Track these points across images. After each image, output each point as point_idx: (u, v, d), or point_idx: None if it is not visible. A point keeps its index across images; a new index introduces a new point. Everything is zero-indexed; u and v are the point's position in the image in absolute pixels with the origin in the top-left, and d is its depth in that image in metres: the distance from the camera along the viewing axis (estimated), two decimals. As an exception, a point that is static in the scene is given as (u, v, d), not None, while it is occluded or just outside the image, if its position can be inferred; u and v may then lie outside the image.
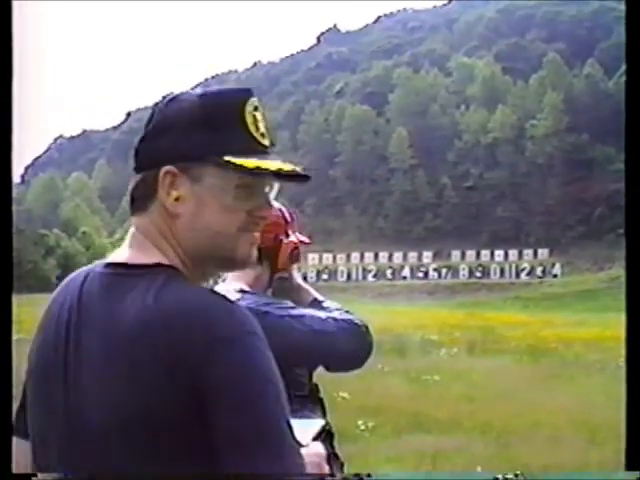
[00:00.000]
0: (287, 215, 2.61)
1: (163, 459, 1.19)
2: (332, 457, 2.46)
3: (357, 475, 2.52)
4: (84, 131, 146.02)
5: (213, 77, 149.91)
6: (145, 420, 1.18)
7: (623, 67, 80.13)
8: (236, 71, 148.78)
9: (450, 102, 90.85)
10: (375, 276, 69.18)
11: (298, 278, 2.66)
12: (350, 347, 2.43)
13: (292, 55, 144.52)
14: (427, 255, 70.80)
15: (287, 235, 2.57)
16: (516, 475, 4.74)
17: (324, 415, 2.52)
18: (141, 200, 1.34)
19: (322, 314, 2.43)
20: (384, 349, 19.40)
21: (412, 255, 71.04)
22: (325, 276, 69.05)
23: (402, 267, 70.08)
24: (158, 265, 1.29)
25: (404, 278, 68.84)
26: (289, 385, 2.20)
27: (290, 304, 2.45)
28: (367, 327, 2.48)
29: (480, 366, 16.20)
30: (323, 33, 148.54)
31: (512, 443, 9.33)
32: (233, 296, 2.30)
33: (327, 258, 71.36)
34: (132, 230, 1.36)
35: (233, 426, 1.17)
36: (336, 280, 68.58)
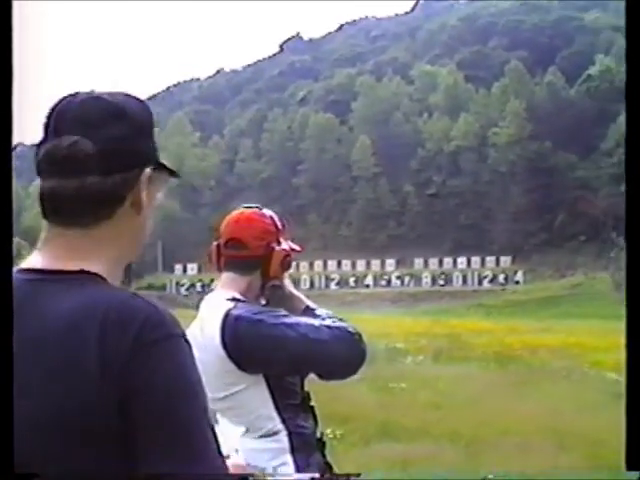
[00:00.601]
0: (278, 223, 2.60)
1: (90, 456, 1.18)
2: (325, 466, 2.54)
3: (347, 475, 2.61)
4: None
5: (175, 85, 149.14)
6: (75, 420, 1.17)
7: (584, 74, 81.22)
8: (198, 79, 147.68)
9: (413, 110, 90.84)
10: (338, 284, 69.02)
11: (290, 286, 2.67)
12: (344, 355, 2.46)
13: (255, 63, 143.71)
14: (390, 263, 70.73)
15: (279, 243, 2.57)
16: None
17: (316, 423, 2.56)
18: (108, 206, 1.31)
19: (316, 322, 2.45)
20: (350, 357, 19.35)
21: (375, 263, 70.93)
22: (288, 284, 68.73)
23: (365, 275, 70.00)
24: (82, 272, 1.27)
25: (367, 286, 68.77)
26: (281, 393, 2.43)
27: (284, 312, 2.46)
28: (360, 335, 2.49)
29: (447, 373, 16.20)
30: (286, 41, 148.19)
31: (481, 450, 9.35)
32: (226, 305, 2.44)
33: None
34: (59, 236, 1.32)
35: (156, 426, 1.17)
36: (299, 288, 67.87)
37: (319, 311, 2.61)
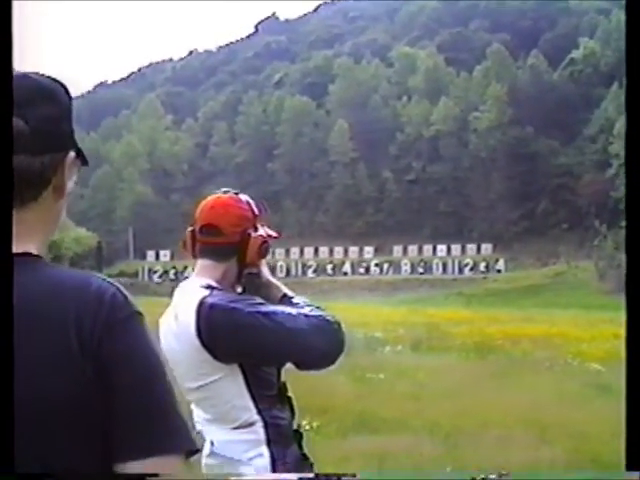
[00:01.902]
0: (255, 208, 2.59)
1: (76, 440, 1.20)
2: (302, 457, 2.53)
3: (340, 475, 2.86)
4: None
5: (147, 66, 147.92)
6: (62, 403, 1.19)
7: (567, 58, 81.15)
8: (171, 60, 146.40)
9: (392, 93, 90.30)
10: (315, 272, 68.73)
11: (267, 273, 2.64)
12: (322, 344, 2.43)
13: (229, 44, 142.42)
14: (368, 250, 70.47)
15: (256, 229, 2.55)
16: (500, 475, 4.48)
17: (293, 415, 2.55)
18: (35, 188, 1.29)
19: (293, 310, 2.43)
20: (327, 347, 19.12)
21: (353, 250, 70.63)
22: (264, 271, 68.41)
23: (343, 263, 69.71)
24: (26, 254, 1.26)
25: (345, 274, 68.51)
26: (257, 384, 2.44)
27: (260, 300, 2.43)
28: (339, 324, 2.48)
29: (426, 364, 16.10)
30: (261, 21, 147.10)
31: (461, 443, 9.15)
32: (200, 292, 2.41)
33: (265, 253, 70.67)
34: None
35: (134, 402, 1.21)
36: (275, 276, 67.74)
37: (297, 299, 2.58)
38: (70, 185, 1.34)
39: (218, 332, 2.33)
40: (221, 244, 2.49)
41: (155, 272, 67.91)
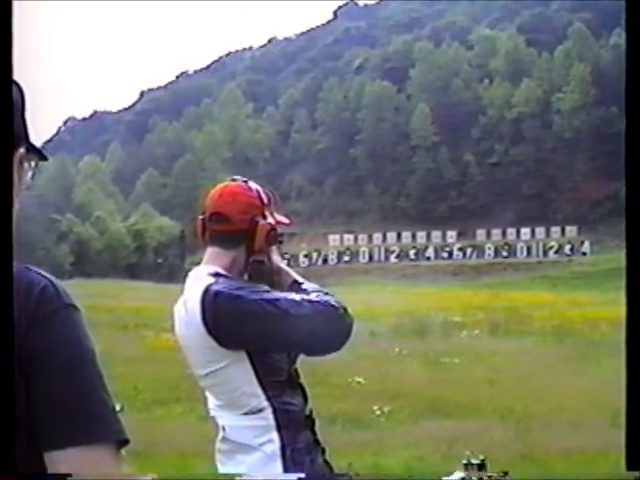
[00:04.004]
0: (264, 196, 2.59)
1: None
2: (313, 443, 2.50)
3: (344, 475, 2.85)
4: (95, 112, 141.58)
5: (228, 55, 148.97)
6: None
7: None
8: (251, 48, 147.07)
9: (473, 76, 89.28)
10: (398, 257, 68.49)
11: (278, 260, 2.63)
12: (326, 330, 2.43)
13: (308, 31, 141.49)
14: (451, 235, 69.94)
15: (264, 217, 2.55)
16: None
17: (305, 401, 2.53)
18: None
19: (297, 297, 2.42)
20: (403, 332, 19.20)
21: (436, 235, 70.12)
22: (346, 258, 68.53)
23: (426, 247, 69.28)
24: None
25: (428, 259, 68.10)
26: (265, 370, 2.44)
27: (264, 288, 2.44)
28: (345, 309, 2.45)
29: (502, 348, 16.02)
30: (340, 7, 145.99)
31: (532, 427, 9.25)
32: (207, 280, 2.43)
33: (348, 239, 70.74)
34: None
35: (57, 392, 1.21)
36: (358, 261, 68.16)
37: (305, 285, 2.57)
38: (21, 181, 1.35)
39: (222, 319, 2.36)
40: (229, 232, 2.51)
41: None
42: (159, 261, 65.15)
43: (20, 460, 1.18)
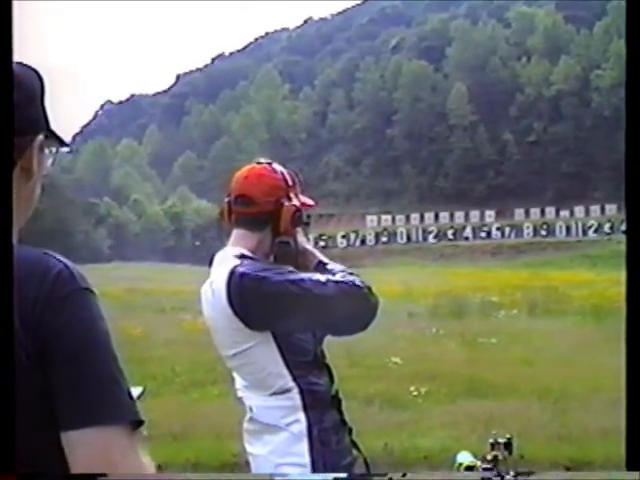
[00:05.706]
0: (288, 178, 2.61)
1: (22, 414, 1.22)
2: (340, 423, 2.54)
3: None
4: (132, 96, 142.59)
5: (263, 36, 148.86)
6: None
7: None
8: (287, 29, 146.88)
9: (510, 54, 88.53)
10: (436, 237, 68.16)
11: (303, 241, 2.65)
12: (351, 310, 2.46)
13: (344, 11, 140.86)
14: (490, 214, 69.45)
15: (289, 199, 2.57)
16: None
17: (332, 381, 2.57)
18: None
19: (322, 277, 2.45)
20: (440, 312, 19.16)
21: (474, 214, 69.69)
22: (384, 238, 68.31)
23: (464, 227, 68.83)
24: None
25: (466, 239, 67.70)
26: (291, 351, 2.48)
27: (289, 269, 2.46)
28: (370, 288, 2.48)
29: (541, 328, 15.89)
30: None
31: (570, 408, 9.21)
32: (232, 261, 2.47)
33: (386, 220, 70.48)
34: None
35: (73, 374, 1.24)
36: (396, 242, 68.01)
37: (331, 266, 2.61)
38: (41, 166, 1.40)
39: (248, 300, 2.40)
40: (255, 214, 2.54)
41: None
42: (197, 244, 65.57)
43: (37, 441, 1.23)
